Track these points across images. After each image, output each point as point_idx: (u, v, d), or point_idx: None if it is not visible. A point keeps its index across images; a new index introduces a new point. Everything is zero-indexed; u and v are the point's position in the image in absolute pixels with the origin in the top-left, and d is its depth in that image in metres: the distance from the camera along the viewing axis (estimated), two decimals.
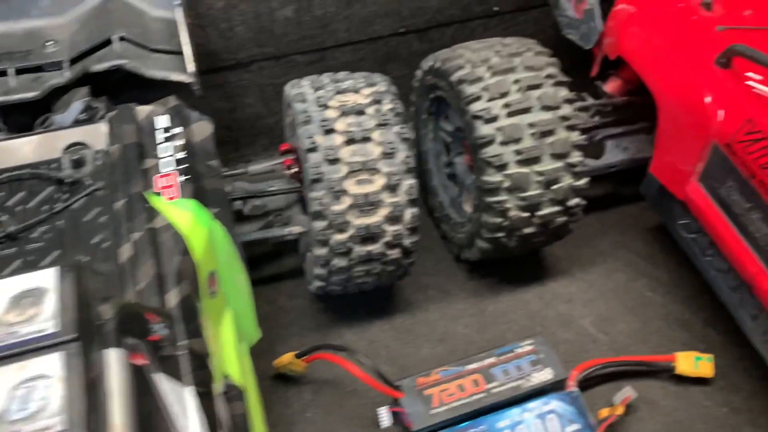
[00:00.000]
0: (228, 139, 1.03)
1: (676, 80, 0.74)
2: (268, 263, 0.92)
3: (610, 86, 0.91)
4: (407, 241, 0.76)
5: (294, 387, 0.79)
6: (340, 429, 0.76)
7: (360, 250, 0.74)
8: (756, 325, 0.72)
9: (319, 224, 0.73)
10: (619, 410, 0.72)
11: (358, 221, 0.73)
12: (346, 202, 0.72)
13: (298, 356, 0.77)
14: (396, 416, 0.71)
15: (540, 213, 0.77)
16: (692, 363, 0.78)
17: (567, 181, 0.77)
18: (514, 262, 0.91)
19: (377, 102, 0.75)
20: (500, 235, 0.79)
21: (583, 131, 0.84)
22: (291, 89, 0.78)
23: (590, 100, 0.91)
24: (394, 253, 0.76)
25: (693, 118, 0.72)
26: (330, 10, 0.96)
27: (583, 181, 0.78)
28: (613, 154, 0.92)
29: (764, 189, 0.65)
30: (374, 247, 0.74)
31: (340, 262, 0.75)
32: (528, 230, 0.79)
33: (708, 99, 0.70)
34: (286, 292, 0.89)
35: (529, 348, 0.76)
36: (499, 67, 0.77)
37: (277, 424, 0.76)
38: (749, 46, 0.68)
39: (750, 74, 0.69)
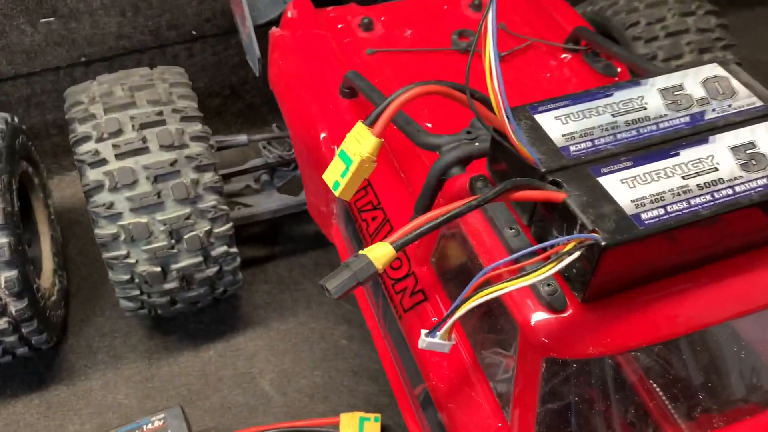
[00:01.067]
0: None
1: (302, 110, 0.66)
2: None
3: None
4: (12, 308, 0.65)
5: None
6: None
7: None
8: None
9: None
10: None
11: None
12: None
13: None
14: None
15: (177, 266, 0.68)
16: (356, 425, 0.69)
17: (202, 227, 0.67)
18: (202, 316, 0.81)
19: None
20: (136, 292, 0.69)
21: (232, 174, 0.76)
22: None
23: (276, 132, 0.83)
24: (1, 323, 0.65)
25: (314, 154, 0.64)
26: None
27: (224, 228, 0.69)
28: None
29: (363, 234, 0.57)
30: None
31: None
32: (170, 285, 0.69)
33: (324, 133, 0.62)
34: None
35: (159, 423, 0.66)
36: (115, 102, 0.67)
37: None
38: (361, 75, 0.60)
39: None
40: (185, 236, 0.67)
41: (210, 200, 0.67)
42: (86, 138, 0.66)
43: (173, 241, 0.67)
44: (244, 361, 0.78)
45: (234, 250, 0.71)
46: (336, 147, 0.60)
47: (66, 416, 0.73)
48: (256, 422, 0.72)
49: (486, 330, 0.45)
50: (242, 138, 0.79)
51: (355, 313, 0.82)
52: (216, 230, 0.68)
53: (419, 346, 0.38)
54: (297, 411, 0.73)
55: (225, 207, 0.69)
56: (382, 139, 0.39)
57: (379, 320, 0.61)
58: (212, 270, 0.70)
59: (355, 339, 0.80)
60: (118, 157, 0.65)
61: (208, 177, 0.68)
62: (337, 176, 0.40)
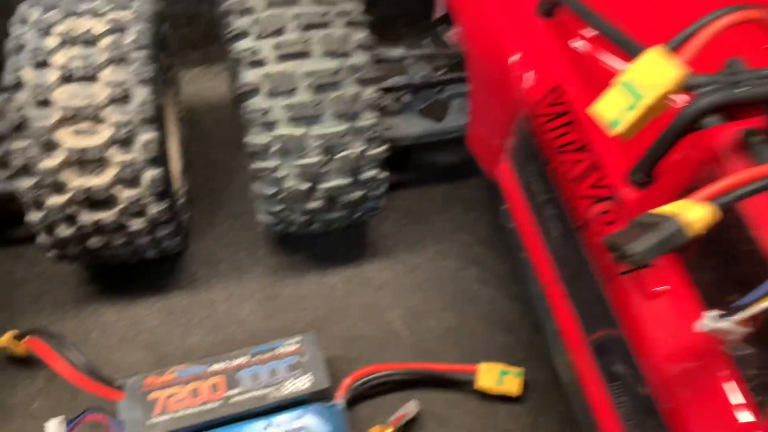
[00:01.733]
0: None
1: (486, 26, 0.58)
2: None
3: (456, 34, 0.75)
4: (154, 210, 0.62)
5: (27, 371, 0.66)
6: None
7: (88, 217, 0.60)
8: (556, 343, 0.58)
9: (26, 182, 0.58)
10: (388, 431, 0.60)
11: (78, 182, 0.58)
12: (59, 157, 0.58)
13: (16, 337, 0.64)
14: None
15: (324, 186, 0.63)
16: (496, 377, 0.64)
17: (357, 147, 0.62)
18: (329, 238, 0.77)
19: (118, 31, 0.59)
20: (279, 208, 0.65)
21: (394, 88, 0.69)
22: (23, 8, 0.62)
23: (429, 49, 0.75)
24: (138, 224, 0.62)
25: (499, 79, 0.56)
26: None
27: (378, 150, 0.63)
28: (456, 117, 0.77)
29: (558, 179, 0.50)
30: (107, 215, 0.60)
31: (64, 231, 0.61)
32: (313, 205, 0.64)
33: (516, 57, 0.55)
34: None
35: (294, 347, 0.62)
36: None
37: None
38: None
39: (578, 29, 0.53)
40: (338, 155, 0.61)
41: (368, 118, 0.61)
42: (244, 34, 0.60)
43: (325, 158, 0.61)
44: (371, 291, 0.73)
45: (384, 175, 0.65)
46: (530, 72, 0.53)
47: (188, 326, 0.70)
48: (385, 358, 0.68)
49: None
50: (397, 51, 0.72)
51: (488, 257, 0.77)
52: (369, 152, 0.62)
53: (697, 328, 0.32)
54: (426, 352, 0.69)
55: (381, 127, 0.63)
56: (690, 71, 0.32)
57: (547, 249, 0.54)
58: (358, 194, 0.65)
59: (488, 284, 0.74)
60: (279, 59, 0.59)
61: (369, 92, 0.61)
62: (617, 112, 0.34)
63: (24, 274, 0.73)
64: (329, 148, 0.61)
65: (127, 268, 0.73)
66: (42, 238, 0.62)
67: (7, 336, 0.64)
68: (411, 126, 0.77)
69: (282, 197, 0.63)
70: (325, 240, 0.77)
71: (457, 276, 0.75)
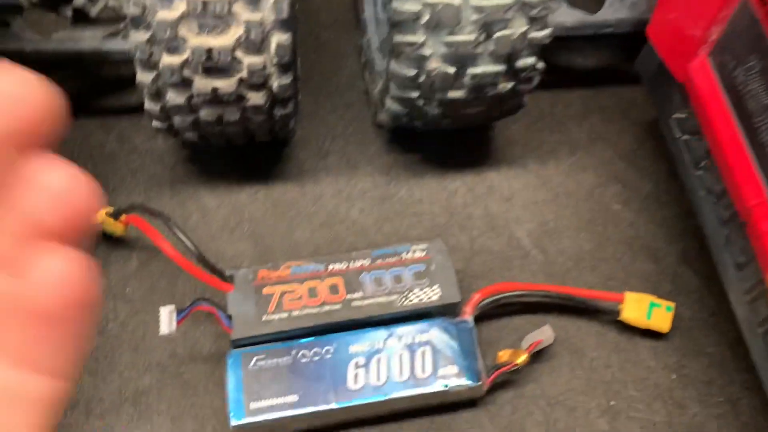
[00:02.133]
0: None
1: None
2: (130, 86, 0.71)
3: None
4: (276, 83, 0.53)
5: (121, 252, 0.61)
6: (158, 316, 0.58)
7: (203, 84, 0.52)
8: (739, 277, 0.50)
9: (138, 36, 0.50)
10: (521, 359, 0.53)
11: (197, 40, 0.50)
12: (179, 7, 0.49)
13: (110, 215, 0.57)
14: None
15: (473, 71, 0.54)
16: (644, 309, 0.56)
17: (519, 27, 0.52)
18: (450, 139, 0.68)
19: None
20: (415, 95, 0.56)
21: None
22: None
23: None
24: (257, 98, 0.54)
25: None
26: None
27: (542, 33, 0.53)
28: (614, 9, 0.66)
29: None
30: (225, 84, 0.52)
31: (175, 98, 0.53)
32: (455, 94, 0.55)
33: None
34: (146, 130, 0.68)
35: (420, 254, 0.55)
36: None
37: None
38: None
39: None
40: (496, 34, 0.52)
41: None
42: None
43: (481, 36, 0.52)
44: (497, 202, 0.65)
45: (541, 65, 0.55)
46: None
47: (294, 220, 0.63)
48: (510, 276, 0.61)
49: None
50: None
51: (631, 174, 0.67)
52: (532, 34, 0.53)
53: None
54: (558, 275, 0.61)
55: (548, 6, 0.53)
56: None
57: (756, 166, 0.45)
58: (508, 85, 0.56)
59: (631, 205, 0.66)
60: None
61: None
62: None
63: (115, 148, 0.67)
64: (488, 25, 0.51)
65: (230, 151, 0.66)
66: (150, 104, 0.55)
67: (100, 213, 0.58)
68: (558, 16, 0.66)
69: (421, 81, 0.54)
70: (444, 140, 0.68)
71: (595, 193, 0.66)
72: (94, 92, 0.70)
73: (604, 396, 0.55)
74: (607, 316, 0.58)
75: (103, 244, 0.61)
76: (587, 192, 0.66)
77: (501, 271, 0.61)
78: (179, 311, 0.50)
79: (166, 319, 0.49)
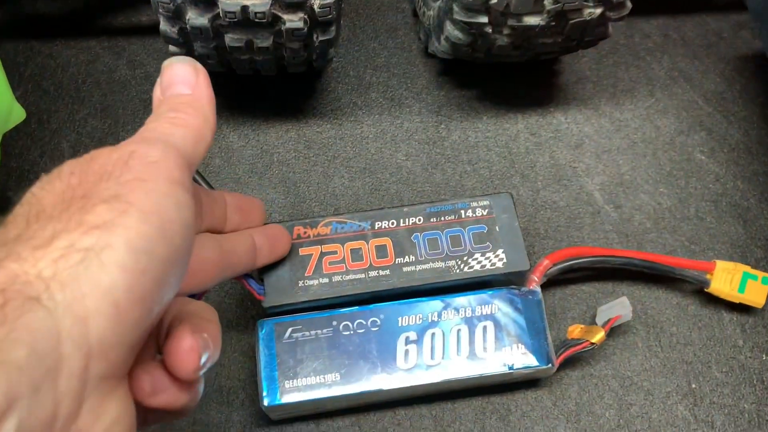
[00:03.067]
0: None
1: None
2: (143, 2, 0.61)
3: None
4: (317, 1, 0.44)
5: None
6: None
7: (230, 1, 0.43)
8: None
9: None
10: (597, 337, 0.45)
11: None
12: None
13: None
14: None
15: None
16: (737, 281, 0.49)
17: None
18: (511, 71, 0.59)
19: None
20: (483, 20, 0.47)
21: None
22: None
23: None
24: (295, 20, 0.44)
25: None
26: None
27: None
28: None
29: None
30: (256, 2, 0.43)
31: (197, 19, 0.44)
32: (532, 21, 0.46)
33: None
34: (160, 55, 0.59)
35: (481, 212, 0.47)
36: None
37: None
38: None
39: None
40: None
41: None
42: None
43: None
44: (564, 149, 0.57)
45: None
46: None
47: (331, 164, 0.55)
48: (579, 236, 0.53)
49: None
50: None
51: (718, 121, 0.58)
52: None
53: None
54: (635, 236, 0.53)
55: None
56: None
57: None
58: (596, 11, 0.46)
59: (717, 156, 0.57)
60: None
61: None
62: None
63: (125, 75, 0.58)
64: None
65: (257, 82, 0.57)
66: (165, 26, 0.46)
67: None
68: None
69: (493, 2, 0.45)
70: (504, 75, 0.59)
71: (677, 141, 0.57)
72: (101, 8, 0.61)
73: (684, 378, 0.48)
74: (689, 286, 0.51)
75: None
76: (668, 139, 0.57)
77: (568, 230, 0.53)
78: None
79: None
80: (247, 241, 0.40)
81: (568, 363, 0.48)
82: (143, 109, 0.57)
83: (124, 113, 0.56)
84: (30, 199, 0.24)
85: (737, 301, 0.49)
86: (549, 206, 0.54)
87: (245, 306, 0.50)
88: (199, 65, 0.31)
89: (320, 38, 0.47)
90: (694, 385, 0.48)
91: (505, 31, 0.47)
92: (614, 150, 0.57)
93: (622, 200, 0.55)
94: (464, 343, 0.44)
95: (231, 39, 0.45)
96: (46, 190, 0.24)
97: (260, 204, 0.43)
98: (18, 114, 0.42)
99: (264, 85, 0.57)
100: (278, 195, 0.54)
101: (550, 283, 0.50)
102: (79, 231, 0.22)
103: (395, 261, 0.45)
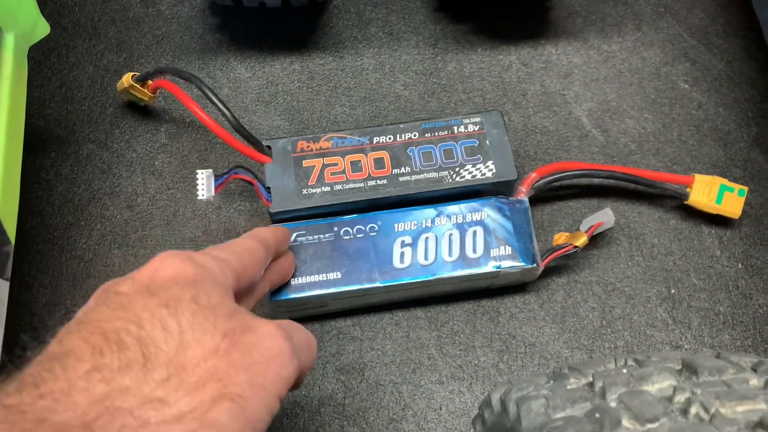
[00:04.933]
0: None
1: None
2: None
3: None
4: None
5: (149, 122, 0.57)
6: (189, 191, 0.54)
7: None
8: None
9: None
10: (580, 241, 0.49)
11: None
12: None
13: (136, 79, 0.53)
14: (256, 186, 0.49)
15: None
16: (715, 193, 0.52)
17: None
18: (504, 6, 0.62)
19: None
20: None
21: None
22: None
23: None
24: None
25: None
26: None
27: None
28: None
29: None
30: None
31: None
32: None
33: None
34: None
35: (473, 128, 0.51)
36: None
37: (107, 171, 0.55)
38: None
39: None
40: None
41: None
42: None
43: None
44: (554, 78, 0.60)
45: None
46: None
47: (332, 94, 0.58)
48: (569, 158, 0.56)
49: None
50: None
51: (701, 52, 0.61)
52: None
53: None
54: (619, 157, 0.56)
55: None
56: None
57: None
58: None
59: (700, 85, 0.60)
60: None
61: None
62: None
63: (139, 12, 0.62)
64: None
65: (263, 17, 0.60)
66: None
67: (126, 77, 0.54)
68: None
69: None
70: (497, 10, 0.62)
71: (661, 71, 0.60)
72: None
73: (664, 284, 0.52)
74: (670, 201, 0.54)
75: (130, 115, 0.57)
76: (653, 70, 0.60)
77: (557, 152, 0.56)
78: (217, 177, 0.46)
79: (205, 183, 0.46)
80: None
81: (555, 270, 0.52)
82: (156, 44, 0.60)
83: (138, 48, 0.60)
84: None
85: (715, 212, 0.52)
86: (539, 130, 0.57)
87: (254, 221, 0.53)
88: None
89: None
90: (673, 291, 0.52)
91: None
92: (602, 79, 0.60)
93: (608, 125, 0.58)
94: (455, 245, 0.48)
95: None
96: None
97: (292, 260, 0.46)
98: (43, 28, 0.45)
99: (270, 21, 0.61)
100: (283, 122, 0.57)
101: (539, 199, 0.53)
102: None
103: (392, 172, 0.49)
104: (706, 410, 0.24)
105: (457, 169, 0.49)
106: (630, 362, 0.30)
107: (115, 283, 0.29)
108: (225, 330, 0.28)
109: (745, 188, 0.52)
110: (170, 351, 0.26)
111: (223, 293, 0.30)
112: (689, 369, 0.28)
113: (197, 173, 0.46)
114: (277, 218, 0.48)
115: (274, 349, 0.29)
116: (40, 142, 0.56)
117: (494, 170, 0.49)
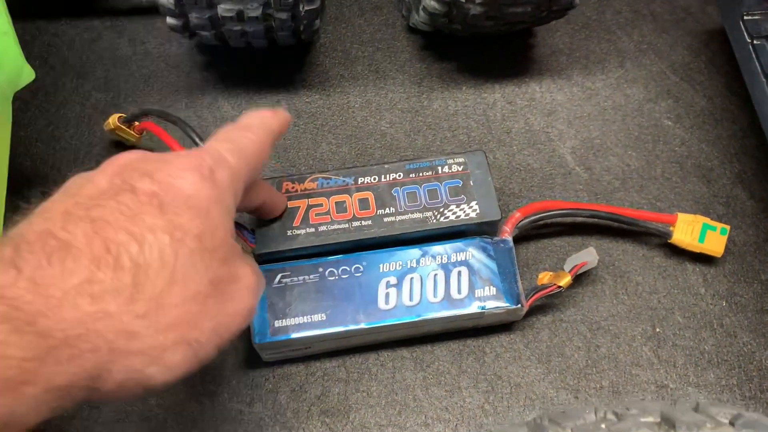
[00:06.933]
0: None
1: None
2: None
3: None
4: None
5: None
6: None
7: None
8: None
9: None
10: (564, 281, 0.49)
11: None
12: None
13: (123, 121, 0.53)
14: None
15: None
16: (698, 232, 0.52)
17: None
18: (489, 44, 0.63)
19: None
20: None
21: None
22: None
23: None
24: None
25: None
26: None
27: None
28: None
29: None
30: None
31: None
32: None
33: None
34: (159, 33, 0.63)
35: (457, 168, 0.51)
36: None
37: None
38: None
39: None
40: None
41: None
42: None
43: None
44: (539, 116, 0.60)
45: None
46: None
47: (319, 132, 0.59)
48: (552, 195, 0.56)
49: None
50: None
51: (684, 89, 0.62)
52: None
53: None
54: (603, 194, 0.57)
55: None
56: None
57: None
58: None
59: (683, 122, 0.60)
60: None
61: None
62: None
63: (127, 52, 0.62)
64: None
65: (250, 57, 0.61)
66: None
67: (113, 118, 0.54)
68: None
69: None
70: (482, 48, 0.63)
71: (645, 108, 0.61)
72: None
73: (649, 322, 0.52)
74: (654, 239, 0.54)
75: (116, 154, 0.57)
76: (636, 107, 0.61)
77: (541, 190, 0.57)
78: None
79: None
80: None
81: (540, 309, 0.52)
82: (143, 83, 0.61)
83: (125, 87, 0.60)
84: None
85: (698, 251, 0.53)
86: (523, 168, 0.58)
87: None
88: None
89: (306, 8, 0.51)
90: (658, 329, 0.52)
91: (477, 0, 0.51)
92: (585, 116, 0.60)
93: (592, 162, 0.58)
94: (440, 286, 0.48)
95: (223, 9, 0.49)
96: None
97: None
98: (28, 74, 0.46)
99: (257, 60, 0.61)
100: (269, 160, 0.57)
101: (523, 237, 0.54)
102: None
103: (377, 212, 0.49)
104: None
105: (441, 210, 0.49)
106: (609, 415, 0.30)
107: (137, 170, 0.30)
108: (212, 277, 0.29)
109: (727, 227, 0.52)
110: (157, 286, 0.27)
111: (227, 230, 0.31)
112: (668, 423, 0.28)
113: None
114: (262, 260, 0.48)
115: (246, 303, 0.32)
116: (26, 181, 0.56)
117: (478, 210, 0.49)
